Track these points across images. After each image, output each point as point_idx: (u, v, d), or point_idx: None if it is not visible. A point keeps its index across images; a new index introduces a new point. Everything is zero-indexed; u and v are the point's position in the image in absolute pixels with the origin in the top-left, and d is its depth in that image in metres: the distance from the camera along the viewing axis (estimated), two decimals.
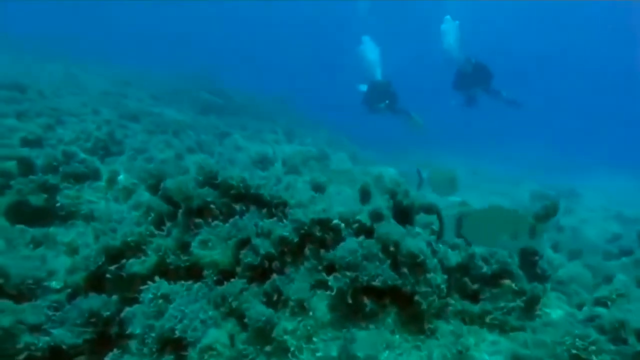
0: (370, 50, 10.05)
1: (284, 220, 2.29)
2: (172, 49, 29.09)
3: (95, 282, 2.39)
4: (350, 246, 2.01)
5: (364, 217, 2.23)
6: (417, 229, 2.41)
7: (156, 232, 2.49)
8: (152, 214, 2.51)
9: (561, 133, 26.31)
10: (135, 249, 2.45)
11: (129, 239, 2.42)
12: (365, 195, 2.51)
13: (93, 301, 2.18)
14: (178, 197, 2.32)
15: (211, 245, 2.33)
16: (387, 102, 9.25)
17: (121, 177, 3.65)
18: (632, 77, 27.11)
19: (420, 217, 2.56)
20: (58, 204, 3.17)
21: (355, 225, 2.24)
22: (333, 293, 1.99)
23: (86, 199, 3.31)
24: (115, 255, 2.37)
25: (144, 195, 2.72)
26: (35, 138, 4.56)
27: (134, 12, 34.73)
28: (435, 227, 2.45)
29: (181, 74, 14.35)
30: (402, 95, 10.01)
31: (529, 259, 2.66)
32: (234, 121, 11.09)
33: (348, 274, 1.96)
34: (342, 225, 2.17)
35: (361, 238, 2.12)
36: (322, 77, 34.48)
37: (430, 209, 2.47)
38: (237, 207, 2.40)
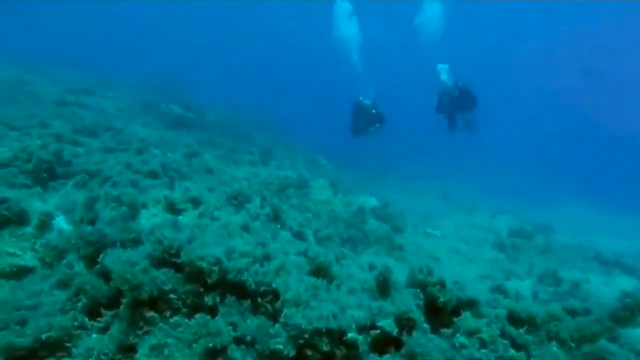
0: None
1: (275, 322, 1.62)
2: (146, 53, 27.90)
3: None
4: None
5: (388, 324, 1.58)
6: (461, 338, 1.79)
7: (88, 325, 1.75)
8: (84, 299, 1.77)
9: (524, 155, 26.87)
10: (53, 348, 1.70)
11: (44, 336, 1.67)
12: (384, 286, 1.87)
13: None
14: (122, 285, 1.60)
15: (168, 354, 1.62)
16: (377, 125, 8.83)
17: (58, 221, 2.85)
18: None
19: (462, 319, 1.94)
20: None
21: (376, 333, 1.59)
22: None
23: None
24: None
25: (78, 265, 1.98)
26: None
27: (107, 11, 33.14)
28: (485, 335, 1.82)
29: (151, 83, 13.42)
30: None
31: None
32: (206, 138, 10.29)
33: None
34: (360, 339, 1.52)
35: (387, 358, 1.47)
36: (303, 90, 33.96)
37: (473, 304, 1.86)
38: (208, 298, 1.71)
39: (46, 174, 4.74)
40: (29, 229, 2.79)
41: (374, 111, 9.20)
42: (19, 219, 2.78)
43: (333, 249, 4.44)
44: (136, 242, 2.06)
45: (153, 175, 5.82)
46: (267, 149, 10.91)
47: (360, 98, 8.98)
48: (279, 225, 3.86)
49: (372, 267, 3.53)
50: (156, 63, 24.03)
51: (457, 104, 8.97)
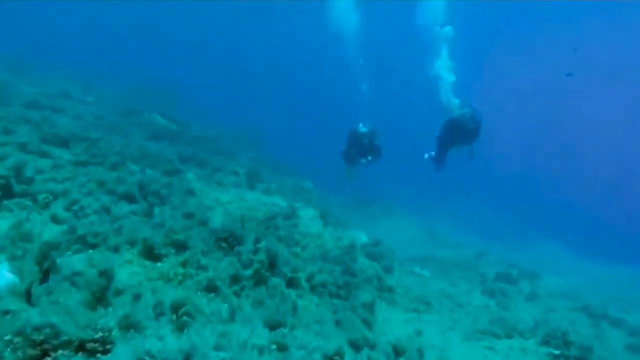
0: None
1: None
2: (137, 57, 26.99)
3: None
4: None
5: None
6: None
7: None
8: None
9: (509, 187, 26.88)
10: None
11: None
12: None
13: None
14: None
15: None
16: (369, 158, 8.26)
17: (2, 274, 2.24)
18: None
19: None
20: None
21: None
22: None
23: None
24: None
25: None
26: None
27: (97, 11, 31.99)
28: None
29: (136, 89, 12.72)
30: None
31: None
32: (190, 153, 9.66)
33: None
34: None
35: None
36: (294, 103, 33.15)
37: None
38: None
39: (1, 192, 4.06)
40: None
41: (367, 141, 8.61)
42: None
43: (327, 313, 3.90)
44: (104, 343, 1.50)
45: (129, 198, 5.17)
46: (253, 170, 10.35)
47: (360, 125, 8.37)
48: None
49: None
50: (146, 68, 23.20)
51: (466, 134, 8.25)
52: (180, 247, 3.26)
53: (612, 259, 15.53)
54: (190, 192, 7.05)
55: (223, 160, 10.37)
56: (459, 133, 7.55)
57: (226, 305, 2.67)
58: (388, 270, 7.68)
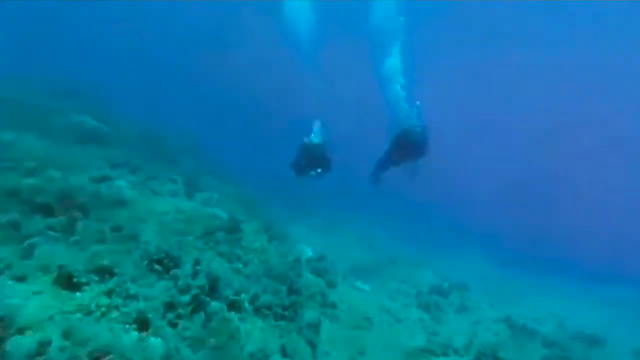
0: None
1: None
2: (66, 49, 24.47)
3: None
4: None
5: None
6: None
7: None
8: None
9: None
10: None
11: None
12: None
13: None
14: None
15: None
16: (319, 170, 7.99)
17: None
18: None
19: None
20: None
21: None
22: None
23: None
24: None
25: None
26: None
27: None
28: None
29: (56, 90, 11.51)
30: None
31: None
32: (122, 159, 8.87)
33: None
34: None
35: None
36: (238, 106, 31.50)
37: None
38: None
39: None
40: None
41: (317, 153, 8.32)
42: None
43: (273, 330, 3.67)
44: None
45: (46, 210, 4.51)
46: (192, 177, 9.77)
47: (312, 135, 8.00)
48: None
49: None
50: (74, 61, 21.14)
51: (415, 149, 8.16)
52: (107, 272, 2.84)
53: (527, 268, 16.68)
54: (121, 203, 6.42)
55: (160, 166, 9.68)
56: (407, 149, 7.49)
57: (160, 350, 2.31)
58: (332, 285, 7.60)
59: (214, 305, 3.59)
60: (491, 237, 20.33)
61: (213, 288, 3.34)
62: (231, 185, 11.58)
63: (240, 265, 6.14)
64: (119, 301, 2.60)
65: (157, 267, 3.25)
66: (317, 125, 8.17)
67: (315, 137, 8.04)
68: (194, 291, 3.12)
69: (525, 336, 9.19)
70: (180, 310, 3.06)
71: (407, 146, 7.52)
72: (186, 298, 3.16)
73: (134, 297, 2.67)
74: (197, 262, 3.51)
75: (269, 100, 31.58)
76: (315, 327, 4.90)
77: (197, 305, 3.29)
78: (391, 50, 9.67)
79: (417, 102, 7.75)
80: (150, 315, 2.56)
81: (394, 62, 9.58)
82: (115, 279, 2.80)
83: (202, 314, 3.33)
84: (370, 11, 11.22)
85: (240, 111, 30.21)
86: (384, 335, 7.06)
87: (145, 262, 3.28)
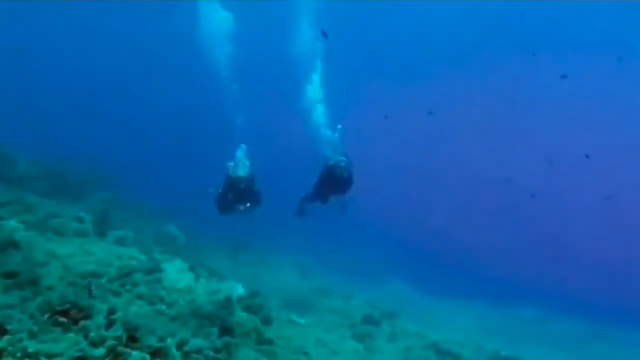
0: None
1: None
2: None
3: None
4: None
5: None
6: None
7: None
8: None
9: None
10: None
11: None
12: None
13: None
14: None
15: None
16: (248, 204, 7.57)
17: None
18: None
19: None
20: None
21: None
22: None
23: None
24: None
25: None
26: None
27: None
28: None
29: None
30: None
31: None
32: (13, 197, 7.66)
33: None
34: None
35: None
36: (153, 129, 27.56)
37: None
38: None
39: None
40: None
41: (244, 186, 7.60)
42: None
43: None
44: None
45: None
46: (103, 214, 8.75)
47: (237, 166, 7.53)
48: None
49: None
50: None
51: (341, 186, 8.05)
52: None
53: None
54: (13, 245, 5.46)
55: (64, 204, 8.54)
56: (333, 183, 7.49)
57: None
58: (267, 321, 7.18)
59: (135, 355, 3.09)
60: (415, 265, 21.00)
61: (133, 338, 2.84)
62: (151, 221, 10.63)
63: (164, 307, 5.53)
64: None
65: (61, 319, 2.66)
66: (241, 151, 7.73)
67: (240, 169, 7.55)
68: (110, 343, 2.62)
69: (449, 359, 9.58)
70: None
71: (334, 181, 7.48)
72: (100, 352, 2.65)
73: (33, 357, 2.13)
74: (111, 311, 2.96)
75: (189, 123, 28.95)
76: None
77: (114, 358, 2.78)
78: (311, 77, 9.76)
79: (339, 126, 7.94)
80: None
81: (313, 89, 9.63)
82: (7, 337, 2.22)
83: None
84: (290, 38, 11.25)
85: (161, 134, 27.46)
86: None
87: (47, 315, 2.69)
